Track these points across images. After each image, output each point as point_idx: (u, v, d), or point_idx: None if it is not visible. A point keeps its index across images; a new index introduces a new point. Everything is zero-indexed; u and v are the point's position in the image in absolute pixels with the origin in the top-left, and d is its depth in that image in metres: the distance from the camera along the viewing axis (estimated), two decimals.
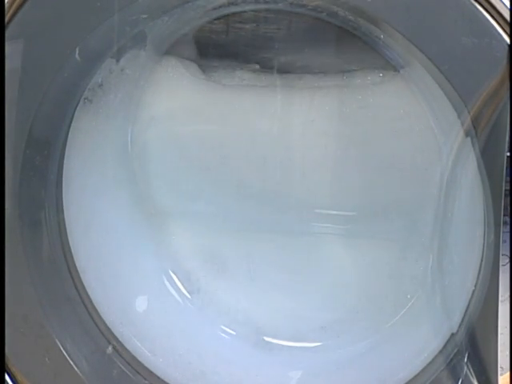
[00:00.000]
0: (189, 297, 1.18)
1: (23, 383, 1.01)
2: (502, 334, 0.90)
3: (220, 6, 1.01)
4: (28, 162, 0.97)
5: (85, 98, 1.03)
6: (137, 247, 1.16)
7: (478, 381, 0.93)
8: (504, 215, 0.87)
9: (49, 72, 0.94)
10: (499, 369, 0.90)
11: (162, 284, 1.17)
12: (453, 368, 0.95)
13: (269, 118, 1.10)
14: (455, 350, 0.95)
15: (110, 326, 1.07)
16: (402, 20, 0.86)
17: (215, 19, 1.06)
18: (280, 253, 1.16)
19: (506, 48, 0.83)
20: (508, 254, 0.96)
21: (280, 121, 1.10)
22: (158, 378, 1.08)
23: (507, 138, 0.85)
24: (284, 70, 1.08)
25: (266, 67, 1.09)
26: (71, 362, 1.01)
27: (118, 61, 1.03)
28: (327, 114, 1.08)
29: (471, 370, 0.93)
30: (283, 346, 1.15)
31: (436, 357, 0.98)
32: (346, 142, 1.09)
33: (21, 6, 0.92)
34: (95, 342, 1.05)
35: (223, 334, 1.16)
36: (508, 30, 0.83)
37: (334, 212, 1.13)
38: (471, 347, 0.93)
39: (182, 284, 1.18)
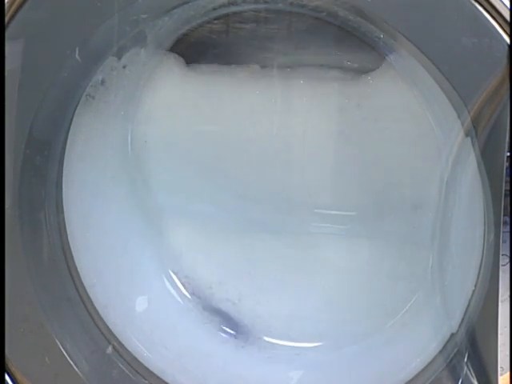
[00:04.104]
0: (189, 297, 1.18)
1: (23, 383, 1.01)
2: (501, 334, 0.90)
3: (220, 6, 1.01)
4: (28, 161, 0.97)
5: (87, 95, 1.03)
6: (137, 247, 1.16)
7: (478, 381, 0.92)
8: (504, 215, 0.87)
9: (49, 72, 0.94)
10: (499, 369, 0.90)
11: (162, 284, 1.17)
12: (453, 368, 0.95)
13: (269, 117, 1.10)
14: (455, 350, 0.95)
15: (110, 326, 1.07)
16: (401, 20, 0.86)
17: (215, 19, 1.06)
18: (280, 253, 1.16)
19: (506, 48, 0.83)
20: (508, 253, 0.96)
21: (280, 120, 1.10)
22: (158, 378, 1.08)
23: (507, 138, 0.84)
24: (284, 70, 1.08)
25: (266, 67, 1.09)
26: (71, 362, 1.01)
27: (119, 58, 1.03)
28: (327, 114, 1.08)
29: (471, 370, 0.93)
30: (283, 345, 1.15)
31: (436, 357, 0.98)
32: (346, 142, 1.09)
33: (21, 5, 0.92)
34: (95, 342, 1.05)
35: (223, 334, 1.16)
36: (508, 30, 0.83)
37: (334, 212, 1.13)
38: (471, 347, 0.93)
39: (182, 284, 1.18)
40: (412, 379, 1.00)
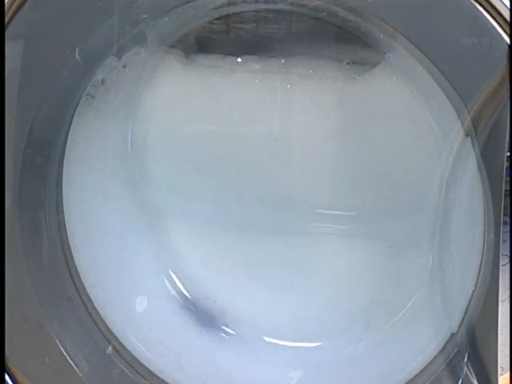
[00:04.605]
0: (189, 297, 1.18)
1: (23, 383, 1.01)
2: (501, 334, 0.90)
3: (220, 6, 1.01)
4: (28, 161, 0.97)
5: (87, 94, 1.03)
6: (137, 247, 1.16)
7: (478, 381, 0.93)
8: (504, 215, 0.87)
9: (49, 72, 0.94)
10: (499, 369, 0.90)
11: (162, 284, 1.17)
12: (453, 368, 0.95)
13: (269, 117, 1.10)
14: (455, 350, 0.95)
15: (110, 326, 1.07)
16: (401, 20, 0.86)
17: (215, 19, 1.06)
18: (280, 253, 1.16)
19: (506, 48, 0.83)
20: (508, 253, 0.96)
21: (280, 120, 1.10)
22: (158, 377, 1.08)
23: (507, 138, 0.85)
24: (284, 70, 1.08)
25: (265, 67, 1.09)
26: (71, 362, 1.01)
27: (120, 58, 1.03)
28: (327, 114, 1.08)
29: (471, 370, 0.93)
30: (283, 345, 1.15)
31: (436, 357, 0.98)
32: (346, 141, 1.09)
33: (21, 5, 0.92)
34: (95, 342, 1.05)
35: (223, 334, 1.16)
36: (508, 30, 0.83)
37: (334, 212, 1.13)
38: (471, 347, 0.93)
39: (182, 284, 1.18)
40: (412, 379, 1.00)
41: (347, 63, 1.07)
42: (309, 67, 1.08)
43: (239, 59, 1.09)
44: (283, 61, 1.08)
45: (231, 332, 1.16)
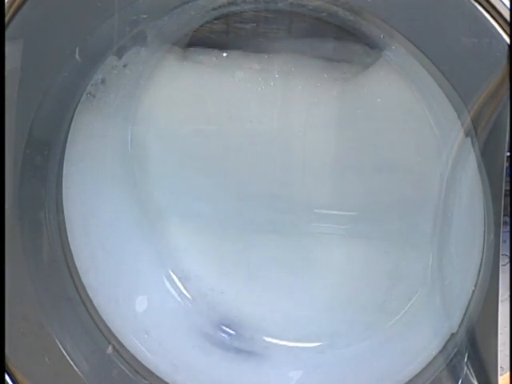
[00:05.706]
0: (189, 297, 1.18)
1: (23, 383, 1.01)
2: (501, 334, 0.90)
3: (220, 6, 1.01)
4: (28, 162, 0.97)
5: (87, 93, 1.03)
6: (137, 247, 1.16)
7: (478, 381, 0.93)
8: (504, 215, 0.87)
9: (49, 72, 0.94)
10: (499, 369, 0.90)
11: (162, 284, 1.17)
12: (453, 368, 0.95)
13: (269, 117, 1.10)
14: (455, 350, 0.95)
15: (109, 326, 1.07)
16: (402, 20, 0.86)
17: (215, 19, 1.06)
18: (280, 253, 1.16)
19: (506, 48, 0.83)
20: (508, 253, 0.96)
21: (280, 121, 1.10)
22: (158, 377, 1.08)
23: (507, 138, 0.85)
24: (284, 70, 1.08)
25: (266, 67, 1.09)
26: (71, 362, 1.01)
27: (120, 58, 1.03)
28: (327, 114, 1.08)
29: (471, 370, 0.93)
30: (283, 345, 1.15)
31: (436, 357, 0.98)
32: (346, 141, 1.09)
33: (21, 5, 0.92)
34: (95, 342, 1.05)
35: (223, 334, 1.16)
36: (508, 30, 0.83)
37: (334, 212, 1.13)
38: (471, 347, 0.93)
39: (182, 284, 1.18)
40: (412, 379, 1.00)
41: (348, 63, 1.07)
42: (308, 66, 1.08)
43: (239, 60, 1.09)
44: (283, 61, 1.08)
45: (231, 332, 1.16)
